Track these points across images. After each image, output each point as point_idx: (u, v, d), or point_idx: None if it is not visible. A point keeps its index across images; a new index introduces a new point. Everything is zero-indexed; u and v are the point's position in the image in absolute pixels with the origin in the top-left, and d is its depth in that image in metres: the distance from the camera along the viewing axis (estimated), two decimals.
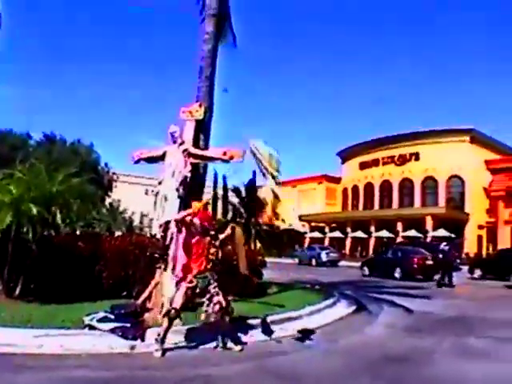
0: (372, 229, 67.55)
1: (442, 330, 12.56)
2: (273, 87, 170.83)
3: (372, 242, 66.32)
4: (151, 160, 12.30)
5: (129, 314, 10.46)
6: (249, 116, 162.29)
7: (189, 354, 9.36)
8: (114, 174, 60.41)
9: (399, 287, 24.47)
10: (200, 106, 12.57)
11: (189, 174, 11.58)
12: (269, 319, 11.91)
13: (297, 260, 55.83)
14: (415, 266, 32.46)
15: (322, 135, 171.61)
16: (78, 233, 17.58)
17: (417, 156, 69.08)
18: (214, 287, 9.74)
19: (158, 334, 9.06)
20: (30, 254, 13.06)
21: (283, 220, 41.32)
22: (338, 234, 72.21)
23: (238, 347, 9.59)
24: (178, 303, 9.18)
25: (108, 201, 68.99)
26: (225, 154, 11.20)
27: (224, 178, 44.93)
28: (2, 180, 14.09)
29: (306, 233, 79.18)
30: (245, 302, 14.25)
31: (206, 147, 12.69)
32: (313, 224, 79.15)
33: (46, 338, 9.46)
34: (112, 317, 10.07)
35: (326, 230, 75.88)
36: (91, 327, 9.86)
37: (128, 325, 9.80)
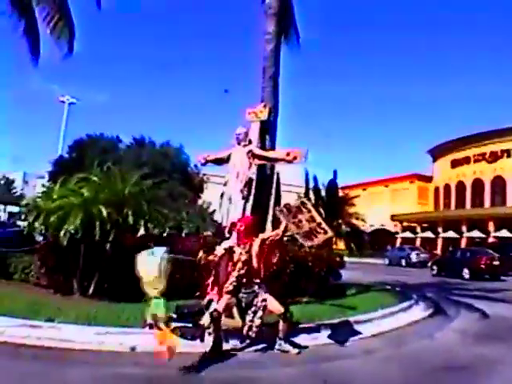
0: (463, 229, 65.81)
1: None
2: (359, 84, 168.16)
3: (463, 242, 64.53)
4: (218, 162, 12.28)
5: (192, 315, 10.44)
6: (336, 115, 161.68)
7: (243, 356, 9.32)
8: (204, 175, 60.95)
9: (485, 290, 23.70)
10: (264, 106, 12.48)
11: (254, 176, 11.50)
12: (337, 321, 11.76)
13: (387, 261, 55.00)
14: (482, 265, 33.88)
15: (413, 133, 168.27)
16: (164, 234, 17.78)
17: (508, 153, 66.57)
18: (262, 300, 9.70)
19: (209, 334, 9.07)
20: (103, 254, 13.29)
21: (363, 220, 40.84)
22: (429, 234, 70.76)
23: (295, 350, 9.50)
24: (220, 306, 9.21)
25: (199, 202, 69.77)
26: (288, 154, 11.07)
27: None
28: (76, 183, 14.44)
29: (397, 233, 77.96)
30: (317, 304, 14.15)
31: (273, 148, 12.63)
32: (404, 224, 77.87)
33: (107, 335, 9.71)
34: (175, 316, 10.06)
35: (418, 229, 74.53)
36: (152, 326, 9.90)
37: (189, 325, 9.76)
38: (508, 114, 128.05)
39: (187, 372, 8.16)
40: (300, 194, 37.93)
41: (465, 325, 13.81)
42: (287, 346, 9.54)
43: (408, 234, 74.88)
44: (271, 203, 13.43)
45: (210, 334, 9.13)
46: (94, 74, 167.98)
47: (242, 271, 9.45)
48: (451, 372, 8.75)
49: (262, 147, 12.17)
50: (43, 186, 23.83)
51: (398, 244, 70.16)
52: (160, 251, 9.02)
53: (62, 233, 12.87)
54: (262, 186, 12.54)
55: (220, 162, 12.13)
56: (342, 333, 11.27)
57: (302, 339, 10.49)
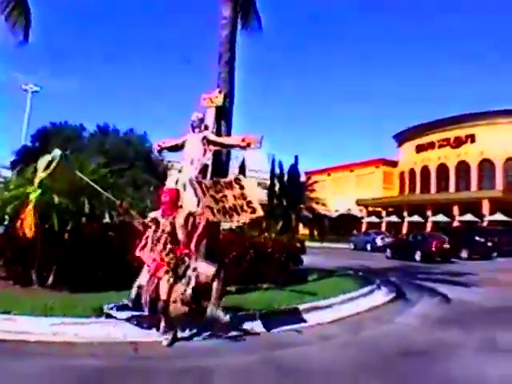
0: (429, 213, 66.24)
1: (475, 322, 12.10)
2: (327, 68, 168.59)
3: (429, 226, 64.92)
4: (173, 149, 12.18)
5: (150, 303, 10.36)
6: (300, 99, 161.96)
7: (196, 344, 9.24)
8: (168, 162, 60.77)
9: (449, 274, 23.95)
10: (220, 92, 12.40)
11: (209, 162, 11.42)
12: (292, 308, 11.77)
13: (352, 245, 55.20)
14: (434, 249, 35.72)
15: (378, 118, 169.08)
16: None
17: (473, 138, 66.79)
18: (193, 270, 9.49)
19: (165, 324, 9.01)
20: (62, 244, 13.15)
21: (324, 204, 41.06)
22: (394, 218, 71.09)
23: (226, 317, 9.98)
24: (163, 294, 8.97)
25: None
26: (243, 140, 10.98)
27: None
28: (33, 172, 14.27)
29: (362, 218, 78.30)
30: (276, 290, 14.18)
31: (229, 134, 12.51)
32: (370, 209, 78.01)
33: (62, 326, 9.59)
34: (130, 305, 9.98)
35: (383, 214, 74.85)
36: (109, 316, 9.84)
37: (146, 314, 9.68)
38: (476, 98, 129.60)
39: (141, 362, 8.10)
40: (265, 179, 37.95)
41: (426, 309, 13.90)
42: (219, 312, 9.74)
43: (373, 219, 75.08)
44: None
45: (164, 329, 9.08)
46: (60, 61, 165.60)
47: (168, 243, 9.14)
48: (409, 357, 8.76)
49: (218, 133, 12.07)
50: None
51: (363, 229, 70.53)
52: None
53: (18, 223, 12.71)
54: (218, 172, 12.47)
55: (175, 148, 12.02)
56: (300, 319, 11.30)
57: (258, 326, 10.48)
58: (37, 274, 13.47)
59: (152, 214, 9.64)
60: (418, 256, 36.29)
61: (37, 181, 12.08)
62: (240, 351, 8.86)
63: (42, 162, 12.03)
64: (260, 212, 9.95)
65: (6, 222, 14.45)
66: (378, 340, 10.10)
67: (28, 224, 12.24)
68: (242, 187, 9.81)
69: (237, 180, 10.06)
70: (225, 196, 9.80)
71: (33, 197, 12.57)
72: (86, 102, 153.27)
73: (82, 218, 13.74)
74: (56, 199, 12.71)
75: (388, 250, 41.62)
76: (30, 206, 12.31)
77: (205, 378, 7.44)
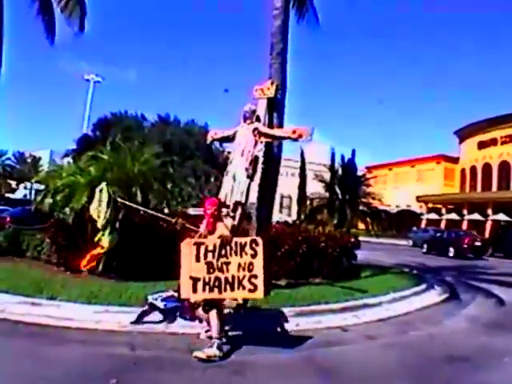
0: (489, 211, 64.76)
1: None
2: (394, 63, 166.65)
3: (488, 225, 63.52)
4: (224, 140, 12.07)
5: None
6: (367, 94, 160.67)
7: (244, 338, 9.12)
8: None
9: (506, 275, 23.03)
10: (272, 83, 12.22)
11: (260, 154, 11.28)
12: (342, 305, 11.58)
13: (411, 242, 54.39)
14: (465, 245, 37.46)
15: (440, 114, 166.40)
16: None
17: None
18: None
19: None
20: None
21: (380, 200, 40.56)
22: (454, 216, 69.82)
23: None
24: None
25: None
26: (294, 132, 10.76)
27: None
28: (86, 162, 14.39)
29: (422, 214, 77.14)
30: (327, 285, 14.05)
31: (281, 125, 12.37)
32: (430, 205, 76.81)
33: (105, 314, 9.73)
34: (176, 296, 9.91)
35: (443, 211, 73.58)
36: (152, 305, 9.79)
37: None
38: None
39: (179, 355, 8.03)
40: (321, 172, 37.77)
41: (478, 312, 13.46)
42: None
43: (433, 216, 73.90)
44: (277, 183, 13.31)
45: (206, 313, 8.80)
46: (122, 52, 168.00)
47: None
48: (452, 363, 8.44)
49: (270, 124, 11.95)
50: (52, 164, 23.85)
51: (422, 225, 69.44)
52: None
53: (67, 211, 12.81)
54: (269, 164, 12.35)
55: (226, 139, 11.90)
56: (348, 316, 11.14)
57: (304, 322, 10.35)
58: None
59: (192, 211, 9.42)
60: (451, 252, 37.70)
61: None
62: (283, 348, 8.69)
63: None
64: (260, 294, 8.27)
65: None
66: (423, 343, 9.81)
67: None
68: (255, 254, 8.26)
69: (254, 243, 8.39)
70: (227, 263, 8.22)
71: None
72: (146, 93, 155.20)
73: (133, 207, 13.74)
74: (110, 189, 12.70)
75: (425, 246, 42.81)
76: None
77: (240, 373, 7.35)
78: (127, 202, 10.82)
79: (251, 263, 8.15)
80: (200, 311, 8.48)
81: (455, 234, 41.02)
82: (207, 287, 8.06)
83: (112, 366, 7.31)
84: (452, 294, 15.95)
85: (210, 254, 8.20)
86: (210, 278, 8.09)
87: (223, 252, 8.21)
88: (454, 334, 10.80)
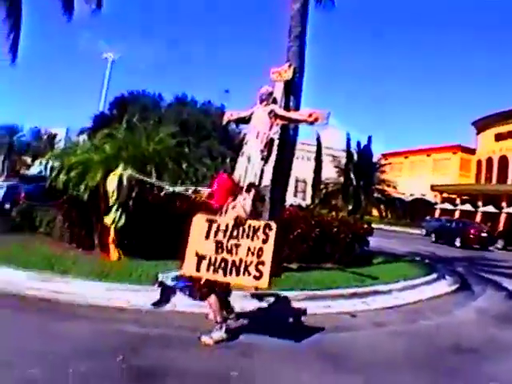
0: (503, 204, 64.31)
1: None
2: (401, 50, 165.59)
3: (503, 217, 63.06)
4: (240, 121, 11.95)
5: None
6: (378, 79, 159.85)
7: (250, 321, 9.10)
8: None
9: None
10: (289, 66, 12.14)
11: (276, 136, 11.21)
12: (352, 291, 11.57)
13: (424, 231, 54.20)
14: (471, 236, 38.17)
15: (457, 103, 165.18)
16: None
17: None
18: None
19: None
20: (125, 211, 13.15)
21: (395, 187, 40.32)
22: (468, 207, 69.37)
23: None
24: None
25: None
26: (310, 115, 10.66)
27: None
28: (101, 139, 14.39)
29: (436, 203, 76.80)
30: (338, 271, 14.04)
31: (297, 109, 12.32)
32: (444, 195, 76.37)
33: (116, 291, 9.79)
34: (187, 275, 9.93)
35: (457, 202, 73.17)
36: (162, 284, 9.80)
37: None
38: None
39: (186, 333, 8.11)
40: (337, 157, 37.73)
41: (487, 304, 13.38)
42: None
43: (447, 206, 73.49)
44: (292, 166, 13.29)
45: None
46: (140, 31, 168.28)
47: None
48: (460, 353, 8.43)
49: (286, 107, 11.87)
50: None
51: (436, 215, 69.14)
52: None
53: (81, 188, 12.83)
54: (285, 147, 12.32)
55: (242, 121, 11.80)
56: (358, 302, 11.15)
57: (314, 306, 10.34)
58: (99, 239, 13.57)
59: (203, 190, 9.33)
60: (457, 242, 38.34)
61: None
62: (291, 332, 8.71)
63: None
64: (265, 283, 7.63)
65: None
66: (431, 332, 9.81)
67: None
68: (266, 239, 7.73)
69: (267, 227, 7.86)
70: (237, 246, 7.81)
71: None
72: (164, 72, 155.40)
73: (147, 186, 13.71)
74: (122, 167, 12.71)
75: (433, 235, 43.58)
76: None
77: (248, 355, 7.37)
78: (147, 179, 10.77)
79: (261, 249, 7.64)
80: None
81: (462, 225, 41.76)
82: (212, 267, 7.76)
83: (120, 342, 7.35)
84: (463, 285, 15.89)
85: (220, 233, 7.90)
86: (216, 259, 7.77)
87: (235, 233, 7.84)
88: (463, 324, 10.76)
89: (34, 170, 75.28)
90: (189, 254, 7.96)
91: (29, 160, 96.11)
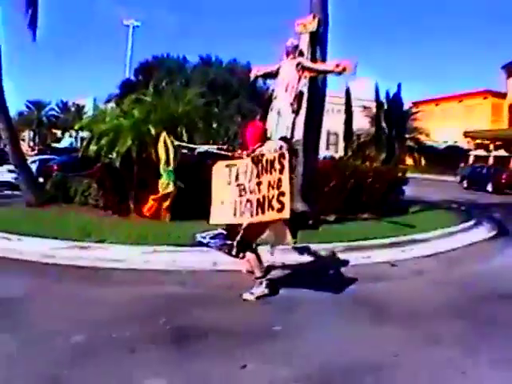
0: None
1: None
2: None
3: None
4: (268, 76, 11.86)
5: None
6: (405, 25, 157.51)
7: (291, 273, 9.19)
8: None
9: None
10: (313, 17, 12.00)
11: (304, 89, 11.11)
12: (390, 241, 11.50)
13: (459, 178, 53.72)
14: (503, 180, 38.12)
15: (486, 48, 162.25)
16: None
17: None
18: None
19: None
20: (158, 173, 13.15)
21: (427, 135, 39.83)
22: (502, 152, 68.41)
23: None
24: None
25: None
26: (337, 66, 10.54)
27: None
28: (129, 105, 14.38)
29: (470, 150, 75.88)
30: (375, 221, 14.02)
31: (324, 60, 12.18)
32: (477, 141, 75.38)
33: (154, 254, 9.85)
34: (225, 233, 9.91)
35: (491, 147, 72.19)
36: (201, 244, 9.81)
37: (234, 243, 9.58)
38: None
39: (227, 291, 8.16)
40: (371, 108, 37.47)
41: None
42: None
43: (481, 152, 72.62)
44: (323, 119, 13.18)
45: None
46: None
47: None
48: (501, 301, 8.18)
49: (313, 59, 11.74)
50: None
51: (470, 162, 68.35)
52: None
53: (113, 154, 12.86)
54: (314, 99, 12.20)
55: (270, 75, 11.69)
56: (396, 252, 11.10)
57: (353, 258, 10.31)
58: (134, 204, 13.62)
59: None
60: (489, 187, 38.28)
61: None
62: (330, 283, 8.69)
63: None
64: (286, 213, 7.25)
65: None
66: (471, 279, 9.62)
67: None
68: (282, 169, 7.38)
69: (281, 157, 7.49)
70: (259, 184, 7.55)
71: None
72: (187, 35, 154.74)
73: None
74: (153, 130, 12.70)
75: (465, 181, 44.24)
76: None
77: (289, 309, 7.36)
78: (185, 144, 10.75)
79: (279, 179, 7.34)
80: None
81: (494, 170, 41.99)
82: (238, 212, 7.63)
83: (161, 304, 7.40)
84: (500, 231, 15.54)
85: (241, 176, 7.72)
86: (241, 202, 7.62)
87: (255, 172, 7.63)
88: (503, 270, 10.48)
89: (65, 142, 76.14)
90: (214, 203, 7.94)
91: (59, 133, 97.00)
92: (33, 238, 10.74)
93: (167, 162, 12.10)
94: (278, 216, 7.42)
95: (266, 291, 7.86)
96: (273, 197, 7.33)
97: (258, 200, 7.46)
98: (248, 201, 7.58)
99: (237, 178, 7.79)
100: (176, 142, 10.78)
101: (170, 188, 12.54)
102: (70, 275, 8.88)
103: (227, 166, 8.02)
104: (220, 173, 8.04)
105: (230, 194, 7.79)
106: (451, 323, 7.00)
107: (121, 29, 74.55)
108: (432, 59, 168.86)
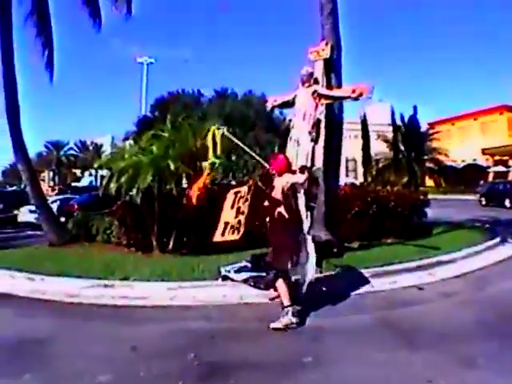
0: None
1: None
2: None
3: None
4: (284, 105, 11.89)
5: (267, 263, 10.23)
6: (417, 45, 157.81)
7: (320, 302, 9.00)
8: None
9: None
10: (326, 44, 12.04)
11: (321, 116, 11.10)
12: (416, 264, 11.41)
13: (478, 196, 53.43)
14: None
15: (498, 62, 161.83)
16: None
17: None
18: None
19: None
20: (179, 208, 13.17)
21: (446, 155, 39.92)
22: None
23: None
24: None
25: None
26: (354, 91, 10.54)
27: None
28: (148, 141, 14.47)
29: (489, 167, 75.50)
30: (400, 245, 13.96)
31: (339, 86, 12.18)
32: (496, 158, 75.02)
33: (179, 290, 9.76)
34: (249, 266, 9.89)
35: (510, 163, 71.83)
36: (226, 278, 9.80)
37: (263, 274, 9.52)
38: None
39: (255, 324, 8.04)
40: (385, 132, 37.51)
41: None
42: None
43: (500, 168, 72.24)
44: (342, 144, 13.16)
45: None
46: (174, 32, 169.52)
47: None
48: None
49: (328, 86, 11.76)
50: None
51: (490, 179, 67.98)
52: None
53: (134, 191, 12.90)
54: (331, 127, 12.18)
55: (286, 105, 11.72)
56: (423, 275, 10.98)
57: (380, 283, 10.25)
58: (157, 240, 13.65)
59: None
60: (507, 202, 38.38)
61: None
62: (359, 310, 8.65)
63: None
64: (237, 236, 7.97)
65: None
66: (501, 298, 9.47)
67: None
68: (246, 200, 8.21)
69: (250, 187, 8.28)
70: (249, 206, 8.15)
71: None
72: (201, 70, 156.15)
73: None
74: (172, 165, 12.74)
75: (482, 198, 43.99)
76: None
77: (319, 340, 7.28)
78: (232, 137, 10.82)
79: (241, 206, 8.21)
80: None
81: (510, 185, 41.86)
82: (231, 230, 8.10)
83: (188, 340, 7.35)
84: None
85: (241, 200, 8.29)
86: (234, 222, 8.11)
87: (249, 196, 8.15)
88: None
89: (85, 181, 76.68)
90: (219, 223, 8.52)
91: (78, 172, 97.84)
92: (56, 277, 10.78)
93: (214, 151, 12.10)
94: (232, 238, 8.06)
95: (294, 320, 7.80)
96: (239, 221, 8.01)
97: (244, 219, 7.97)
98: (239, 221, 8.04)
99: (238, 202, 8.36)
100: (226, 133, 10.77)
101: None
102: (95, 314, 8.86)
103: (234, 192, 8.67)
104: (228, 198, 8.72)
105: (230, 215, 8.33)
106: (484, 344, 6.90)
107: (135, 66, 75.35)
108: (443, 78, 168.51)
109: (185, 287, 9.83)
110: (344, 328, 7.76)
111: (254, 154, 10.98)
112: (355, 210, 14.61)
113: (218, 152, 10.65)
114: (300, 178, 8.79)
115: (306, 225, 9.26)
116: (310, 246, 8.76)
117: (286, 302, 7.97)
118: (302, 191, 9.14)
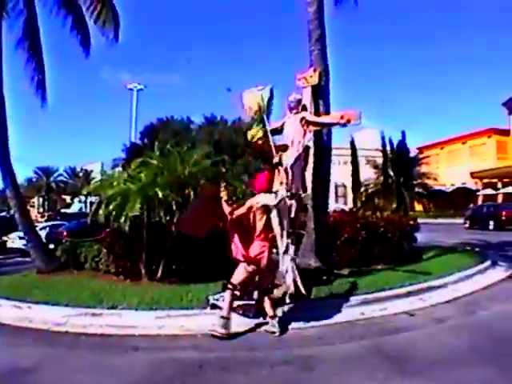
0: None
1: None
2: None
3: None
4: (273, 133, 11.84)
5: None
6: (404, 70, 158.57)
7: (305, 331, 9.04)
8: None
9: None
10: (314, 70, 12.09)
11: (310, 143, 11.13)
12: (407, 290, 11.37)
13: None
14: (503, 217, 38.79)
15: (486, 86, 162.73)
16: None
17: None
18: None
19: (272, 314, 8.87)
20: (168, 237, 13.14)
21: (435, 179, 40.13)
22: (510, 189, 68.23)
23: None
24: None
25: None
26: (342, 117, 10.61)
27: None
28: (136, 168, 14.42)
29: (478, 190, 75.70)
30: (390, 271, 13.93)
31: (327, 113, 12.21)
32: (485, 181, 75.16)
33: (167, 319, 9.69)
34: (237, 294, 9.83)
35: (499, 185, 72.04)
36: (214, 306, 9.73)
37: (253, 302, 9.48)
38: None
39: (244, 353, 8.01)
40: (376, 158, 37.68)
41: None
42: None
43: (489, 191, 72.43)
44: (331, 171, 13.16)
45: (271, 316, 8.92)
46: (163, 58, 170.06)
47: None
48: None
49: (316, 112, 11.79)
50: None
51: (479, 202, 68.16)
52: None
53: (122, 219, 12.82)
54: (321, 153, 12.20)
55: (275, 132, 11.72)
56: (414, 300, 10.96)
57: (370, 310, 10.20)
58: (145, 268, 13.56)
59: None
60: (491, 225, 39.25)
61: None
62: (349, 338, 8.56)
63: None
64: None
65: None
66: (493, 322, 9.50)
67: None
68: None
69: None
70: None
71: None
72: (190, 96, 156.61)
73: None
74: (160, 193, 12.68)
75: (467, 221, 44.70)
76: None
77: (308, 368, 7.20)
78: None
79: None
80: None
81: (494, 208, 42.69)
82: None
83: (177, 370, 7.28)
84: None
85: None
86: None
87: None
88: None
89: (75, 207, 76.53)
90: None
91: (68, 198, 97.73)
92: (44, 305, 10.69)
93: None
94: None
95: (277, 326, 8.66)
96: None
97: None
98: None
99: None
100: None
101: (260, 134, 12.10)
102: (82, 343, 8.75)
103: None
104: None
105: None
106: (477, 369, 6.88)
107: (126, 93, 75.46)
108: (431, 101, 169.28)
109: (173, 316, 9.74)
110: (334, 356, 7.69)
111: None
112: (345, 237, 14.55)
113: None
114: (271, 199, 8.88)
115: (282, 244, 9.30)
116: (288, 265, 9.16)
117: (271, 312, 8.85)
118: (275, 211, 9.07)
